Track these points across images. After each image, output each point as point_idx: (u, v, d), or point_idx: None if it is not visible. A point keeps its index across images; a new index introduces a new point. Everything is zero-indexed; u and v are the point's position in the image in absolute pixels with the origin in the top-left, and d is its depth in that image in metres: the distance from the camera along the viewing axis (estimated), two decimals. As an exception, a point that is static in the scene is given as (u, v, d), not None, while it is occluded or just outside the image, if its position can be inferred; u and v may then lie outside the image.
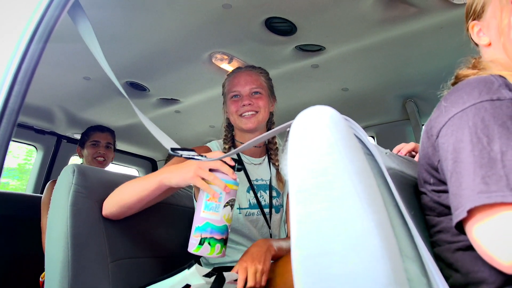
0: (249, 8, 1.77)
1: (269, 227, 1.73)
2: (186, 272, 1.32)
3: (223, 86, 1.90)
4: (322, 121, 0.76)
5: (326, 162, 0.73)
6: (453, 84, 1.04)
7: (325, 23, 1.88)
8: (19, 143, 3.26)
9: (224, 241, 1.27)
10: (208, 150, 1.74)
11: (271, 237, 1.72)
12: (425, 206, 0.98)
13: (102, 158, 2.75)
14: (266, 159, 1.88)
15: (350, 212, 0.68)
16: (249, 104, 1.73)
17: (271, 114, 1.87)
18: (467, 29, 1.11)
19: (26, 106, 2.82)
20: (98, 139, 2.77)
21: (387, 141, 2.87)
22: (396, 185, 0.81)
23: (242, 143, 1.81)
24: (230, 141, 1.83)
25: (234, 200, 1.30)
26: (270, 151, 1.88)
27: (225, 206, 1.26)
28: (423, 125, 2.67)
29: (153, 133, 1.18)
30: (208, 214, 1.25)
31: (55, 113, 2.99)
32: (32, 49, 0.94)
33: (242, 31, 1.95)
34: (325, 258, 0.68)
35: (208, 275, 1.34)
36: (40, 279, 2.28)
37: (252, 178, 1.76)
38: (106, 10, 1.79)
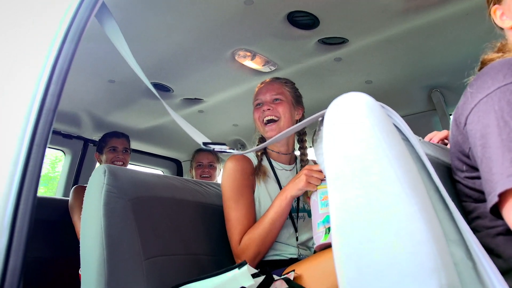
0: (271, 3, 1.77)
1: (296, 231, 1.78)
2: (236, 271, 1.33)
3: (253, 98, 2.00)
4: (357, 107, 0.75)
5: (362, 148, 0.72)
6: (479, 70, 1.02)
7: (348, 15, 1.87)
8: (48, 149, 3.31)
9: None
10: (245, 157, 1.84)
11: (297, 240, 1.78)
12: (461, 192, 0.97)
13: (121, 163, 2.87)
14: (296, 167, 1.97)
15: (390, 197, 0.67)
16: (269, 109, 1.84)
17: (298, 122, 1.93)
18: (489, 14, 1.09)
19: (53, 111, 2.87)
20: (116, 144, 2.90)
21: (414, 132, 2.82)
22: (432, 171, 0.79)
23: (272, 150, 1.93)
24: (262, 149, 1.92)
25: None
26: (302, 162, 1.97)
27: None
28: (450, 114, 2.62)
29: (186, 130, 1.20)
30: (325, 210, 1.49)
31: (82, 118, 3.04)
32: (65, 50, 0.96)
33: (265, 26, 1.94)
34: (367, 244, 0.67)
35: (255, 275, 1.35)
36: (80, 272, 2.32)
37: (284, 183, 1.84)
38: (128, 11, 1.81)
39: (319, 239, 1.46)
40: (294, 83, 1.99)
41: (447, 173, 1.02)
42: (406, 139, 0.82)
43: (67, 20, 0.98)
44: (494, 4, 1.07)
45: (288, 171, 1.92)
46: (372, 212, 0.68)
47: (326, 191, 1.51)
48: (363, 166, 0.71)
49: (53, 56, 0.93)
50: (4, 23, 1.03)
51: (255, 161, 1.85)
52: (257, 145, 1.97)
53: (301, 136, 2.00)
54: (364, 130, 0.73)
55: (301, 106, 1.97)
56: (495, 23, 1.08)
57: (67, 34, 0.96)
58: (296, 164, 1.98)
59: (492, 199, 0.74)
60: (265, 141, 1.94)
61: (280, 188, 1.82)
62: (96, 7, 1.06)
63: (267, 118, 1.83)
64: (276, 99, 1.86)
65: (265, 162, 1.88)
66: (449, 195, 0.94)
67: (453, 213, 0.73)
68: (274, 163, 1.90)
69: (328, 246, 1.44)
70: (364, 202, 0.70)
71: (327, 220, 1.46)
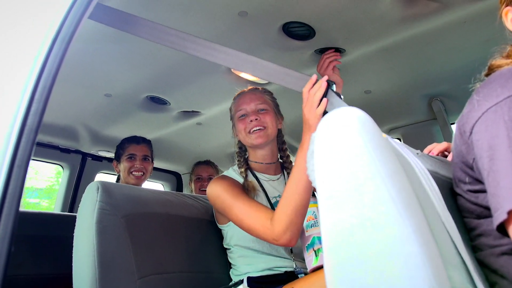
0: (265, 14, 1.74)
1: None
2: None
3: (230, 110, 1.95)
4: (349, 123, 0.72)
5: (355, 166, 0.69)
6: (487, 75, 0.98)
7: (344, 24, 1.84)
8: (47, 164, 3.30)
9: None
10: (229, 178, 1.77)
11: (292, 252, 1.73)
12: (462, 208, 0.93)
13: (140, 173, 2.61)
14: (283, 175, 1.93)
15: (384, 218, 0.64)
16: (256, 119, 1.78)
17: (280, 131, 1.92)
18: (500, 16, 1.05)
19: (50, 125, 2.87)
20: (134, 152, 2.65)
21: (414, 143, 2.78)
22: (431, 187, 0.76)
23: (256, 162, 1.87)
24: (245, 164, 1.86)
25: None
26: (286, 170, 1.94)
27: None
28: (451, 124, 2.59)
29: None
30: (311, 231, 1.45)
31: (79, 132, 3.01)
32: (48, 66, 0.92)
33: (260, 38, 1.91)
34: (360, 267, 0.64)
35: None
36: None
37: (272, 194, 1.81)
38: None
39: (310, 263, 1.43)
40: (272, 93, 1.96)
41: (447, 188, 0.99)
42: (400, 154, 0.79)
43: (51, 34, 0.96)
44: (506, 6, 1.01)
45: (275, 181, 1.88)
46: (365, 233, 0.65)
47: (309, 211, 1.46)
48: (356, 185, 0.68)
49: (35, 73, 0.90)
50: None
51: (240, 179, 1.80)
52: (237, 159, 1.89)
53: (281, 145, 1.97)
54: (356, 146, 0.69)
55: (281, 115, 1.93)
56: (506, 26, 1.04)
57: (51, 49, 0.93)
58: (283, 173, 1.94)
59: (499, 216, 0.70)
60: (246, 152, 1.92)
61: (268, 199, 1.77)
62: (84, 17, 1.03)
63: (254, 129, 1.78)
64: (262, 109, 1.82)
65: (251, 178, 1.83)
66: (450, 211, 0.91)
67: (451, 236, 0.70)
68: (259, 175, 1.86)
69: (320, 268, 1.40)
70: (357, 223, 0.66)
71: (314, 242, 1.43)
